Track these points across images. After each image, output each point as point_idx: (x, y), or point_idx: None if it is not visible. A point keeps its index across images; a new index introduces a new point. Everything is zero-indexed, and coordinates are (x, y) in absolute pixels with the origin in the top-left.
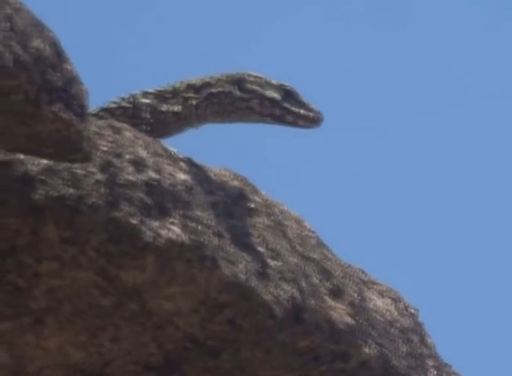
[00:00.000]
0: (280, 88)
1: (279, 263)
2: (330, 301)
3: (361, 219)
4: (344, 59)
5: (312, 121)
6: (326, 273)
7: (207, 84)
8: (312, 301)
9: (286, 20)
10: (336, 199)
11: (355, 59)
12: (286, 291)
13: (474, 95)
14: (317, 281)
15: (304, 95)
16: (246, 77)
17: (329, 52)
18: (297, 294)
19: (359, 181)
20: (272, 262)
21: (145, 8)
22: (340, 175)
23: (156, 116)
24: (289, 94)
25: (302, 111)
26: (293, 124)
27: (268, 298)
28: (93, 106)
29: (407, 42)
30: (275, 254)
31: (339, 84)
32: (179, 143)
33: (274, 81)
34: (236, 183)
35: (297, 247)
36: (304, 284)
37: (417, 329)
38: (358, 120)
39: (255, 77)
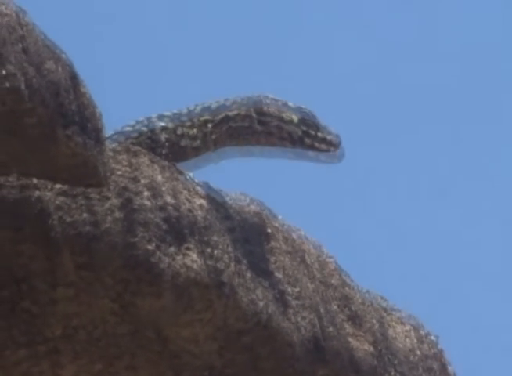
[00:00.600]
0: (298, 111)
1: (298, 289)
2: (350, 329)
3: (380, 245)
4: (364, 84)
5: (330, 144)
6: (346, 300)
7: (223, 107)
8: (331, 329)
9: (303, 42)
10: (355, 224)
11: (376, 85)
12: (305, 317)
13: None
14: (336, 308)
15: (322, 119)
16: (264, 100)
17: (348, 76)
18: (315, 321)
19: (379, 205)
20: (290, 288)
21: (160, 29)
22: (360, 200)
23: (172, 139)
24: (307, 117)
25: (320, 134)
26: (311, 147)
27: (286, 325)
28: (108, 129)
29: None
30: (294, 280)
31: (358, 106)
32: (195, 168)
33: (291, 104)
34: (253, 208)
35: (316, 273)
36: (322, 311)
37: (438, 356)
38: (379, 143)
39: (272, 99)
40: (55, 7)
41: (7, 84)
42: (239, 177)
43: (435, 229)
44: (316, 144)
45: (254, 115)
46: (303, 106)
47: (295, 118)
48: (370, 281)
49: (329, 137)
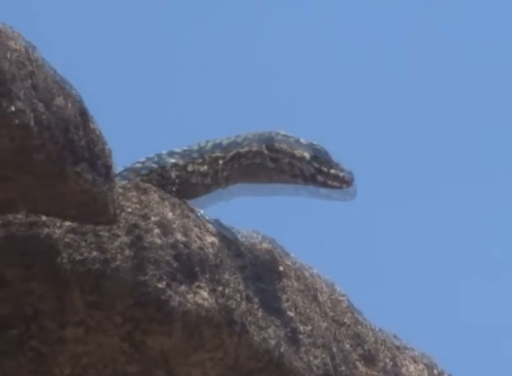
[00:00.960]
0: (310, 148)
1: (310, 328)
2: (363, 368)
3: (392, 283)
4: (376, 121)
5: (343, 181)
6: (358, 338)
7: (234, 144)
8: (344, 368)
9: (313, 79)
10: (366, 262)
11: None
12: (317, 356)
13: None
14: (349, 346)
15: (335, 155)
16: (275, 136)
17: (363, 115)
18: (328, 360)
19: (392, 245)
20: (302, 327)
21: (170, 64)
22: (372, 238)
23: (182, 176)
24: (319, 154)
25: (333, 171)
26: (324, 184)
27: (298, 364)
28: (118, 166)
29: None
30: (306, 319)
31: (371, 144)
32: (206, 205)
33: (303, 141)
34: (264, 246)
35: (328, 312)
36: (335, 350)
37: None
38: (390, 183)
39: (284, 136)
40: (65, 46)
41: (16, 121)
42: (251, 214)
43: (453, 268)
44: (329, 181)
45: (265, 152)
46: (315, 143)
47: (307, 155)
48: (383, 319)
49: (342, 174)
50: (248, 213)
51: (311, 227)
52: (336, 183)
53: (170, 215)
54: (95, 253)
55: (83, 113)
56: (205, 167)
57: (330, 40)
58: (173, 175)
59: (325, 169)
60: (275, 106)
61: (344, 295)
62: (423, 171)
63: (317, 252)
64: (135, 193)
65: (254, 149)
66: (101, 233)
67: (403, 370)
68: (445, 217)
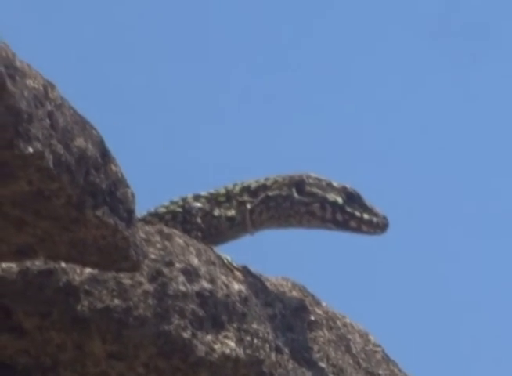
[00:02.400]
0: (342, 191)
1: None
2: None
3: (428, 333)
4: (413, 161)
5: (377, 226)
6: None
7: (263, 187)
8: None
9: (344, 117)
10: (403, 311)
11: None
12: None
13: None
14: None
15: (368, 199)
16: (306, 179)
17: (396, 154)
18: None
19: (431, 291)
20: None
21: (195, 108)
22: (410, 284)
23: (208, 221)
24: (352, 197)
25: (366, 216)
26: (357, 229)
27: None
28: (141, 210)
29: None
30: (338, 371)
31: (407, 185)
32: (234, 250)
33: (335, 184)
34: (295, 294)
35: (362, 363)
36: None
37: None
38: (428, 222)
39: (315, 179)
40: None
41: (34, 163)
42: (281, 260)
43: (493, 315)
44: (362, 227)
45: (295, 196)
46: (348, 186)
47: (340, 199)
48: (420, 371)
49: (375, 219)
50: (278, 258)
51: (344, 273)
52: (369, 229)
53: (195, 261)
54: (116, 301)
55: (104, 155)
56: (232, 211)
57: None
58: (199, 219)
59: (358, 214)
60: (306, 147)
61: (379, 346)
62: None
63: (351, 300)
64: (158, 239)
65: (284, 192)
66: (123, 281)
67: None
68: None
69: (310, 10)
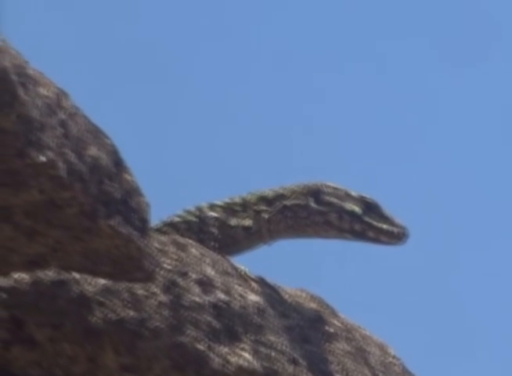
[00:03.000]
0: (361, 201)
1: None
2: None
3: (449, 346)
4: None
5: (396, 237)
6: None
7: (280, 196)
8: None
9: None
10: (423, 323)
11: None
12: None
13: None
14: None
15: (388, 209)
16: (324, 189)
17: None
18: None
19: (451, 304)
20: None
21: (210, 114)
22: (429, 296)
23: (224, 231)
24: (370, 207)
25: (385, 226)
26: (375, 240)
27: None
28: (155, 220)
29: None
30: None
31: (427, 195)
32: (250, 261)
33: (354, 193)
34: (312, 305)
35: None
36: None
37: None
38: (450, 233)
39: (333, 188)
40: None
41: (46, 172)
42: (298, 270)
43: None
44: (381, 237)
45: (312, 205)
46: (366, 196)
47: (358, 209)
48: None
49: (394, 230)
50: (295, 269)
51: (362, 284)
52: (388, 239)
53: (211, 272)
54: (130, 312)
55: (118, 164)
56: (249, 221)
57: None
58: (214, 229)
59: (377, 224)
60: (323, 153)
61: (398, 358)
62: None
63: (369, 311)
64: (173, 249)
65: (301, 202)
66: (137, 291)
67: None
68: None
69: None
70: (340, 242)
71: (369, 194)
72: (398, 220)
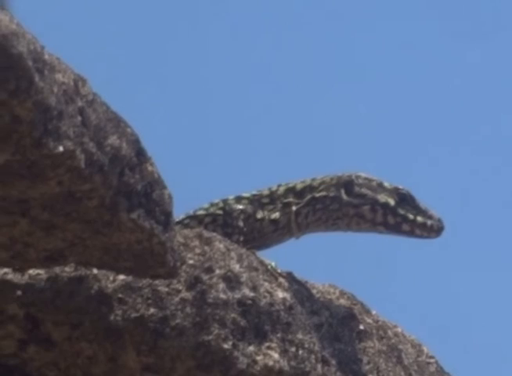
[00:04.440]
0: (395, 192)
1: None
2: None
3: (488, 345)
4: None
5: (431, 229)
6: None
7: (309, 188)
8: None
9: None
10: (459, 320)
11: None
12: None
13: None
14: None
15: (423, 200)
16: (355, 180)
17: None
18: None
19: (492, 300)
20: None
21: (233, 107)
22: (469, 293)
23: (251, 224)
24: (404, 199)
25: (420, 219)
26: (410, 233)
27: None
28: (178, 212)
29: None
30: None
31: (464, 184)
32: (278, 255)
33: (387, 184)
34: (343, 302)
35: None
36: None
37: None
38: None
39: (365, 179)
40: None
41: (64, 162)
42: (328, 265)
43: None
44: (416, 230)
45: (344, 197)
46: (401, 187)
47: (392, 201)
48: None
49: (430, 222)
50: (325, 264)
51: (396, 279)
52: (423, 232)
53: (237, 267)
54: (152, 310)
55: (140, 154)
56: (277, 213)
57: None
58: (240, 222)
59: (411, 217)
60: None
61: (432, 357)
62: None
63: (403, 308)
64: (197, 243)
65: (332, 194)
66: (159, 288)
67: None
68: None
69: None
70: (372, 235)
71: (403, 185)
72: (433, 212)
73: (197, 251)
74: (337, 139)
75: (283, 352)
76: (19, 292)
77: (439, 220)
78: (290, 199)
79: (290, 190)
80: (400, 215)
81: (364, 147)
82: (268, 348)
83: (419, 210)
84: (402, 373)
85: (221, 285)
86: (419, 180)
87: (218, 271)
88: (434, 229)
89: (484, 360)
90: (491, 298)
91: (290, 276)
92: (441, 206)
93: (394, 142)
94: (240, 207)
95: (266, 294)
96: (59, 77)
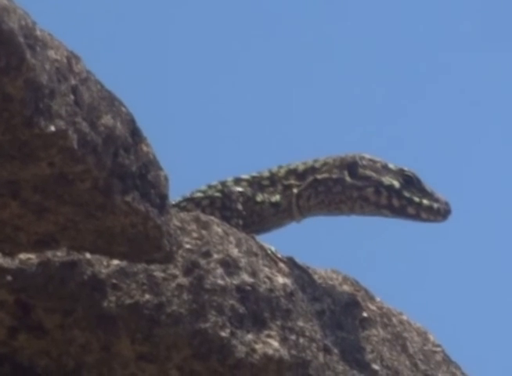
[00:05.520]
0: (400, 174)
1: None
2: None
3: (496, 333)
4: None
5: (438, 213)
6: None
7: (311, 170)
8: None
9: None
10: (467, 307)
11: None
12: None
13: None
14: None
15: (429, 183)
16: (359, 161)
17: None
18: None
19: (500, 287)
20: None
21: (232, 86)
22: (476, 278)
23: (250, 207)
24: (410, 181)
25: (426, 201)
26: (416, 216)
27: None
28: (175, 195)
29: None
30: (394, 373)
31: (471, 168)
32: (279, 240)
33: (392, 166)
34: (346, 288)
35: (420, 365)
36: None
37: None
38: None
39: (369, 160)
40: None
41: (56, 143)
42: (330, 250)
43: None
44: (422, 213)
45: (347, 179)
46: (406, 169)
47: (396, 183)
48: (484, 372)
49: (436, 205)
50: (327, 249)
51: (401, 264)
52: (429, 216)
53: (235, 252)
54: (147, 296)
55: (135, 134)
56: (277, 196)
57: None
58: (239, 205)
59: (417, 199)
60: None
61: (439, 346)
62: None
63: (408, 295)
64: (194, 227)
65: (335, 176)
66: (155, 274)
67: None
68: None
69: None
70: (377, 219)
71: (408, 167)
72: (439, 195)
73: (194, 235)
74: (339, 117)
75: (283, 341)
76: (9, 277)
77: (446, 203)
78: (291, 181)
79: (292, 172)
80: (405, 198)
81: (368, 126)
82: (268, 336)
83: (425, 192)
84: (407, 362)
85: (219, 270)
86: (425, 161)
87: (215, 256)
88: (440, 213)
89: (493, 349)
90: (501, 285)
91: (290, 261)
92: (448, 188)
93: (399, 121)
94: (239, 189)
95: (266, 280)
96: (51, 53)
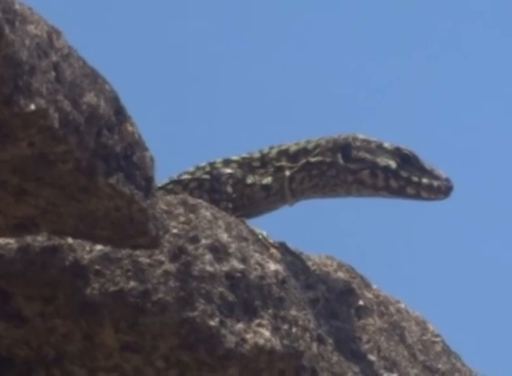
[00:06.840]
0: (396, 154)
1: (395, 375)
2: None
3: (497, 322)
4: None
5: (439, 191)
6: None
7: (303, 151)
8: None
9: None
10: (468, 295)
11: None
12: None
13: None
14: None
15: (428, 160)
16: (353, 142)
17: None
18: None
19: (503, 274)
20: (386, 374)
21: (222, 67)
22: (478, 264)
23: (240, 190)
24: (407, 160)
25: (425, 180)
26: (415, 196)
27: None
28: (161, 177)
29: None
30: (391, 364)
31: (471, 142)
32: (270, 224)
33: (387, 145)
34: (341, 275)
35: (418, 355)
36: None
37: None
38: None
39: (363, 141)
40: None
41: (36, 122)
42: (325, 235)
43: None
44: (422, 192)
45: (341, 161)
46: (402, 147)
47: (393, 163)
48: (486, 364)
49: (437, 183)
50: (321, 233)
51: (398, 250)
52: (430, 194)
53: (224, 237)
54: (132, 283)
55: (119, 113)
56: (268, 178)
57: None
58: (229, 188)
59: (415, 178)
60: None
61: (438, 336)
62: None
63: (406, 282)
64: (182, 211)
65: (328, 159)
66: (140, 259)
67: None
68: None
69: None
70: (374, 201)
71: (405, 145)
72: (440, 172)
73: (181, 219)
74: (332, 95)
75: (275, 330)
76: None
77: (447, 180)
78: (283, 162)
79: (283, 153)
80: (403, 178)
81: (364, 105)
82: (259, 325)
83: (424, 170)
84: (405, 352)
85: (208, 256)
86: (423, 137)
87: (204, 241)
88: (441, 191)
89: (494, 339)
90: (502, 273)
91: (282, 247)
92: (449, 164)
93: (397, 99)
94: (229, 171)
95: (257, 267)
96: (31, 29)
